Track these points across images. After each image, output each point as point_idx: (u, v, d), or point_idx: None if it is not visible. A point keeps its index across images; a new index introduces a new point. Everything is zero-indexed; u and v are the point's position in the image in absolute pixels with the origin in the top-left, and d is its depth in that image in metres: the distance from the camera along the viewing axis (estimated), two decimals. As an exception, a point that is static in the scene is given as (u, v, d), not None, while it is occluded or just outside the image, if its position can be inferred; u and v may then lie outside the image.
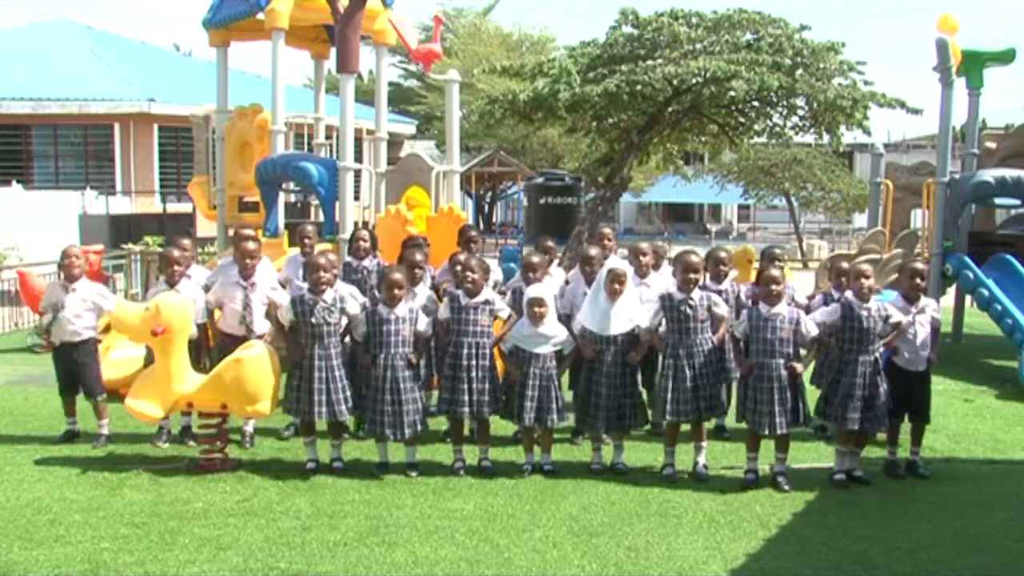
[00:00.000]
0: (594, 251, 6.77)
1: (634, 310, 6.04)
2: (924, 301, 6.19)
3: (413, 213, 8.97)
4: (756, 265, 7.76)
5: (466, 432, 6.38)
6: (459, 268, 6.28)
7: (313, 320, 5.95)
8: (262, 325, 6.59)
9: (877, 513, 5.49)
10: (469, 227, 7.68)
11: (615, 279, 5.99)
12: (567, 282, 6.92)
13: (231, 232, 8.74)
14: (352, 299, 6.19)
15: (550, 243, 7.35)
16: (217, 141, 10.24)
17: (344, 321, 6.09)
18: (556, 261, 7.44)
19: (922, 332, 6.11)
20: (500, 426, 6.53)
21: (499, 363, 6.22)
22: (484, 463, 6.16)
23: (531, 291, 6.11)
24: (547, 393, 6.02)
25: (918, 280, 6.14)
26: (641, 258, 6.78)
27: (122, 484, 5.78)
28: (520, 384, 6.01)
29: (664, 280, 6.64)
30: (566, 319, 6.34)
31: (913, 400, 6.12)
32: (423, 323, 6.06)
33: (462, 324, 6.03)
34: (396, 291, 5.98)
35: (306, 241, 7.28)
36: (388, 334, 5.93)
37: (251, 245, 6.67)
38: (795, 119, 15.19)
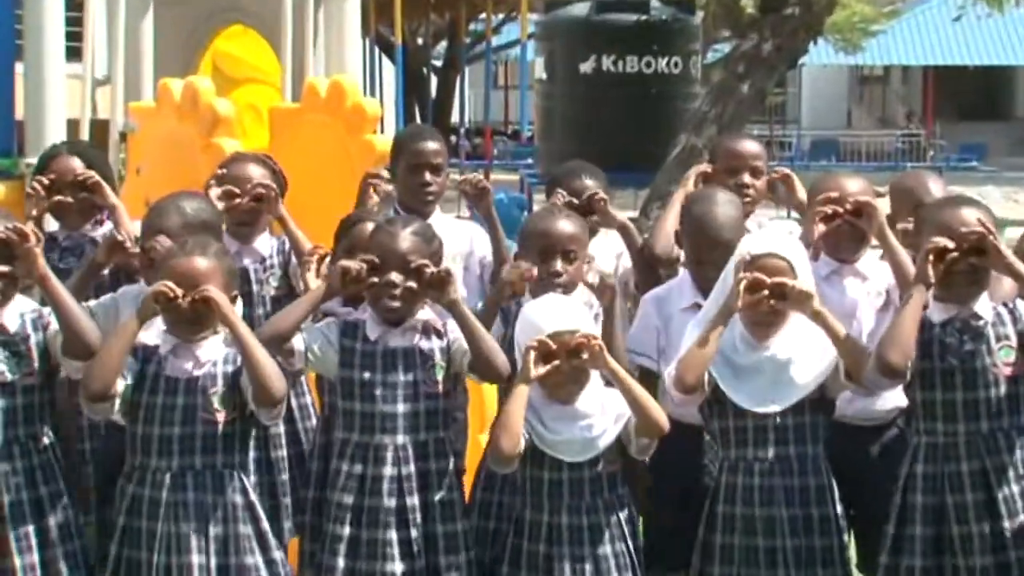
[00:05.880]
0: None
1: (816, 351, 3.39)
2: None
3: (232, 98, 6.18)
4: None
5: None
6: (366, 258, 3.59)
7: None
8: None
9: None
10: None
11: (755, 285, 3.29)
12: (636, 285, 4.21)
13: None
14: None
15: (590, 180, 4.41)
16: None
17: None
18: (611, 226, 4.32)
19: None
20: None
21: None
22: None
23: (540, 310, 3.52)
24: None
25: None
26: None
27: None
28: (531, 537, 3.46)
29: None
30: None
31: None
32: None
33: (365, 400, 3.45)
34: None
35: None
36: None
37: None
38: None
